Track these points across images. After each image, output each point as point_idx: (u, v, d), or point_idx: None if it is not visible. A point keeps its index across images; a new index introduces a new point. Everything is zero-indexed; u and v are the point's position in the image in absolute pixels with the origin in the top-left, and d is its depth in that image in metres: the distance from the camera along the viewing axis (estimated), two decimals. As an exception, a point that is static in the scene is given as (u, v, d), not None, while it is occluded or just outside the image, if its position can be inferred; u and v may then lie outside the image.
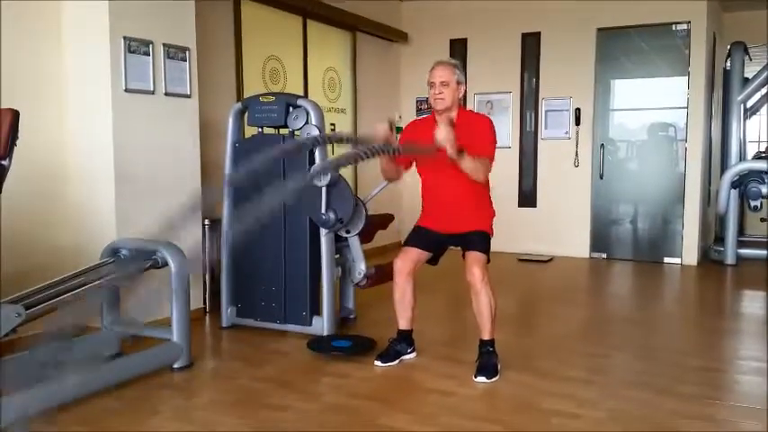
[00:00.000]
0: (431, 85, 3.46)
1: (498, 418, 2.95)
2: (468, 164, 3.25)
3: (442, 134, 3.13)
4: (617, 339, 4.29)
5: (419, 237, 3.59)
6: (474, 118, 3.59)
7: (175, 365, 3.51)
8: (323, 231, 4.10)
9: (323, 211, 3.98)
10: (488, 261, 3.45)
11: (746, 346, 4.30)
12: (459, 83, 3.47)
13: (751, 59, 7.39)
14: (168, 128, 4.34)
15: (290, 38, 6.30)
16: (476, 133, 3.43)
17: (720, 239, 7.16)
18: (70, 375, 2.85)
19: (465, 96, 3.59)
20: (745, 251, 6.88)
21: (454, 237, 3.56)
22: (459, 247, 3.52)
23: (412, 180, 3.74)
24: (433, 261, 3.70)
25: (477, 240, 3.46)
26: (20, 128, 2.89)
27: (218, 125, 4.75)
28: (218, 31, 5.29)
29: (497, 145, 3.52)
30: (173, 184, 4.38)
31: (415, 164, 3.64)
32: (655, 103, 7.13)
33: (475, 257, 3.39)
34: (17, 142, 2.90)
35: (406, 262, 3.54)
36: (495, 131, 3.51)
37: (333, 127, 6.81)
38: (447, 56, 7.44)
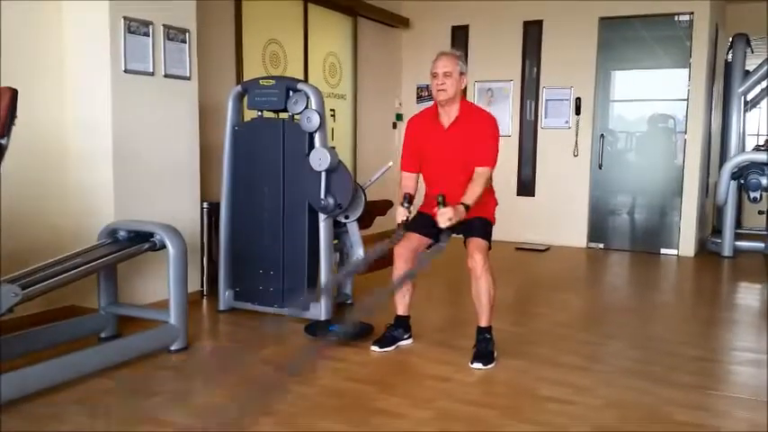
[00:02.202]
0: (434, 75, 3.44)
1: (494, 403, 2.96)
2: (475, 202, 3.37)
3: (446, 222, 3.27)
4: (613, 328, 4.31)
5: (420, 223, 3.59)
6: (477, 116, 3.55)
7: (172, 347, 3.51)
8: (322, 216, 4.10)
9: (322, 196, 3.97)
10: (490, 248, 3.45)
11: (742, 337, 4.32)
12: (462, 74, 3.46)
13: (753, 52, 7.37)
14: (167, 110, 4.32)
15: (290, 21, 6.27)
16: (478, 137, 3.45)
17: (718, 231, 7.17)
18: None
19: (465, 85, 3.57)
20: (742, 243, 6.89)
21: (456, 224, 3.55)
22: (461, 235, 3.52)
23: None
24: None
25: (478, 227, 3.46)
26: (19, 107, 2.87)
27: (217, 108, 4.74)
28: (218, 13, 5.26)
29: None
30: (171, 166, 4.37)
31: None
32: (655, 94, 7.12)
33: (476, 244, 3.40)
34: (16, 121, 2.88)
35: (407, 248, 3.53)
36: (498, 133, 3.53)
37: (333, 113, 6.79)
38: (448, 42, 7.46)
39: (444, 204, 3.29)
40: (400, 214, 3.45)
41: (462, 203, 3.31)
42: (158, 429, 2.64)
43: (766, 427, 2.74)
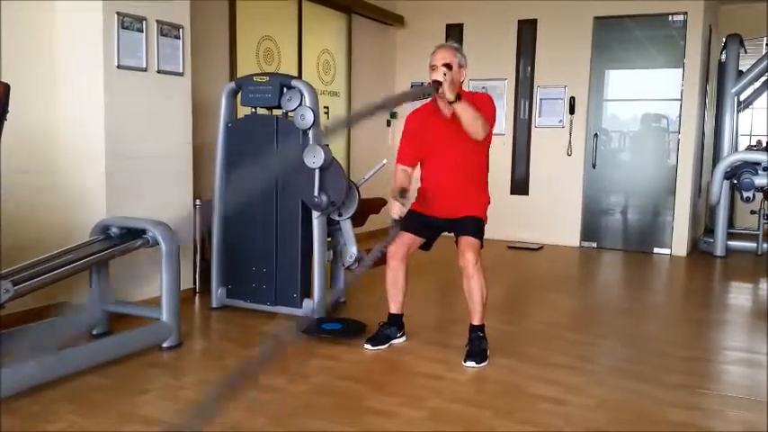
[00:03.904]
0: (432, 67, 3.42)
1: (486, 402, 2.96)
2: (464, 110, 3.26)
3: (440, 74, 3.20)
4: (605, 328, 4.32)
5: (413, 221, 3.58)
6: (474, 97, 3.57)
7: (164, 345, 3.50)
8: (315, 214, 4.09)
9: (315, 193, 3.96)
10: (482, 247, 3.45)
11: (733, 336, 4.34)
12: (460, 66, 3.45)
13: (746, 52, 7.39)
14: (160, 106, 4.30)
15: (284, 18, 6.25)
16: (475, 104, 3.41)
17: (710, 231, 7.20)
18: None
19: (464, 78, 3.57)
20: (734, 243, 6.92)
21: (449, 222, 3.55)
22: (453, 233, 3.52)
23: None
24: (426, 246, 3.69)
25: (471, 225, 3.46)
26: (10, 102, 2.85)
27: (210, 104, 4.71)
28: (212, 9, 5.23)
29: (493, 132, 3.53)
30: (164, 162, 4.34)
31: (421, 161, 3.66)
32: (649, 94, 7.13)
33: (468, 242, 3.39)
34: (7, 116, 2.86)
35: (400, 246, 3.53)
36: (494, 105, 3.53)
37: (326, 110, 6.78)
38: (443, 41, 7.42)
39: (451, 69, 3.28)
40: (396, 209, 3.45)
41: (459, 94, 3.27)
42: (150, 427, 2.63)
43: (765, 427, 2.75)
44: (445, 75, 3.22)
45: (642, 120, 7.26)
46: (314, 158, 3.91)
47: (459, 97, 3.24)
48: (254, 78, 4.27)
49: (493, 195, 3.70)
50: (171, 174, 4.40)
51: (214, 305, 4.37)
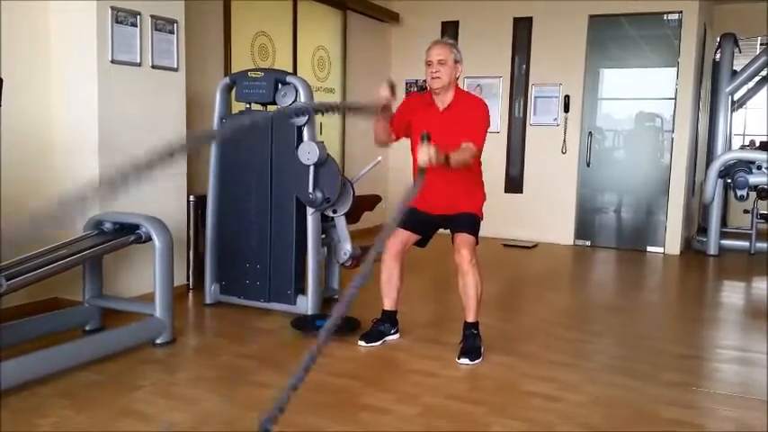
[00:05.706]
0: (428, 63, 3.42)
1: (481, 399, 2.96)
2: (456, 162, 3.14)
3: (424, 156, 2.96)
4: (599, 325, 4.32)
5: (408, 218, 3.57)
6: (470, 101, 3.53)
7: (158, 341, 3.49)
8: (309, 210, 4.08)
9: (310, 190, 3.95)
10: (477, 243, 3.45)
11: (726, 335, 4.35)
12: (456, 62, 3.44)
13: (740, 51, 7.41)
14: (154, 101, 4.28)
15: (280, 14, 6.23)
16: (469, 118, 3.40)
17: (703, 230, 7.21)
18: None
19: (460, 74, 3.55)
20: (727, 242, 6.94)
21: (444, 218, 3.55)
22: (449, 230, 3.52)
23: (399, 162, 3.71)
24: (421, 243, 3.68)
25: (466, 222, 3.45)
26: (4, 96, 2.84)
27: (205, 100, 4.69)
28: (207, 4, 5.21)
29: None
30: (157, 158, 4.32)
31: (410, 143, 3.60)
32: (643, 93, 7.16)
33: (463, 239, 3.39)
34: (1, 110, 2.84)
35: (395, 243, 3.53)
36: (488, 119, 3.48)
37: (321, 107, 6.76)
38: (438, 38, 7.41)
39: (429, 140, 3.04)
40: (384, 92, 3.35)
41: (446, 156, 3.05)
42: (142, 423, 2.62)
43: (758, 425, 2.76)
44: (429, 158, 2.95)
45: (636, 119, 7.28)
46: (308, 155, 3.91)
47: (447, 159, 3.05)
48: (249, 74, 4.25)
49: (487, 193, 3.70)
50: (165, 169, 4.37)
51: (208, 301, 4.35)
